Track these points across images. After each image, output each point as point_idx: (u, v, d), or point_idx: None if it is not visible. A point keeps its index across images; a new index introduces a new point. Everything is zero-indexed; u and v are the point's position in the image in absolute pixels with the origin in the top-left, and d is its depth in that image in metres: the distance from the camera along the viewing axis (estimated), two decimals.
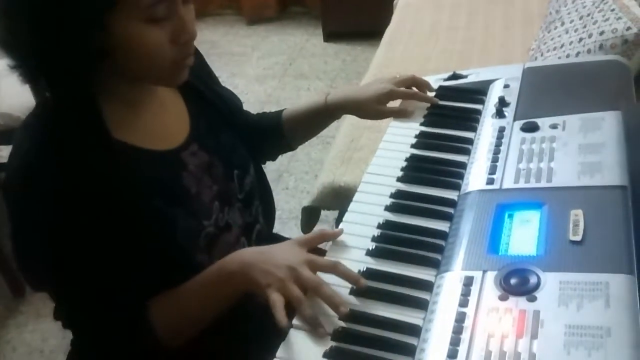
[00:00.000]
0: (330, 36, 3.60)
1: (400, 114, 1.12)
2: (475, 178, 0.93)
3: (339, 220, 1.14)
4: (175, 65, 0.83)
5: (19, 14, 0.75)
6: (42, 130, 0.82)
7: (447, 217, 0.89)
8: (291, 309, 0.77)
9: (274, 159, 1.24)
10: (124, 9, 0.75)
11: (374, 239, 0.87)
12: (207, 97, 1.02)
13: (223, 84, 1.13)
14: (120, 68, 0.82)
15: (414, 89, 1.15)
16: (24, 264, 0.87)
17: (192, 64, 0.86)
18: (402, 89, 1.13)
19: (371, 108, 1.11)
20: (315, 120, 1.16)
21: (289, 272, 0.79)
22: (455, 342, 0.68)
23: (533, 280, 0.71)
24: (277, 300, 0.76)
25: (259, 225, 1.06)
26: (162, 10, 0.78)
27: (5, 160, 0.84)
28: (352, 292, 0.80)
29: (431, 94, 1.16)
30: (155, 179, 0.88)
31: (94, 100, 0.84)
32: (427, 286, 0.79)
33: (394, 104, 1.15)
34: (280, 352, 0.74)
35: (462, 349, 0.67)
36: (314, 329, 0.75)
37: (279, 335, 0.75)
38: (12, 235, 0.84)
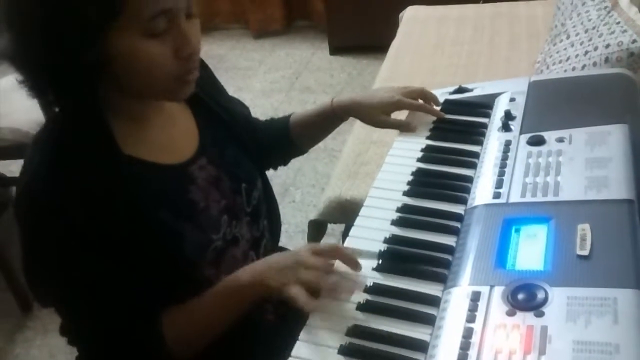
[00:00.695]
0: (336, 50, 3.62)
1: (404, 128, 1.13)
2: (481, 192, 0.93)
3: (345, 234, 1.14)
4: (178, 80, 0.83)
5: (24, 28, 0.76)
6: (52, 146, 0.83)
7: (453, 232, 0.88)
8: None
9: (285, 163, 1.25)
10: (125, 21, 0.75)
11: (380, 254, 0.87)
12: (214, 111, 1.02)
13: None
14: (121, 83, 0.82)
15: (421, 101, 1.15)
16: (33, 280, 0.87)
17: (196, 78, 0.86)
18: (410, 100, 1.13)
19: (376, 115, 1.11)
20: (323, 123, 1.17)
21: (297, 264, 0.81)
22: (462, 358, 0.67)
23: (540, 295, 0.71)
24: (297, 292, 0.78)
25: (265, 239, 1.06)
26: (163, 24, 0.78)
27: (15, 174, 0.85)
28: (359, 307, 0.79)
29: (437, 109, 1.16)
30: (164, 193, 0.88)
31: (103, 115, 0.85)
32: (434, 301, 0.78)
33: (401, 115, 1.15)
34: (296, 351, 0.74)
35: None
36: (345, 292, 0.79)
37: (286, 349, 0.75)
38: (22, 251, 0.84)
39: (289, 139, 1.17)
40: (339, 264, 0.84)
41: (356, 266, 0.83)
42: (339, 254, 0.84)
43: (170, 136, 0.93)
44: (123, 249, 0.83)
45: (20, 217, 0.83)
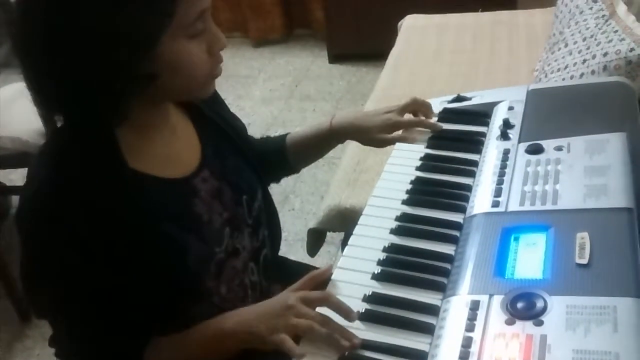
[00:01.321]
0: (336, 58, 3.62)
1: (404, 140, 1.12)
2: (480, 201, 0.93)
3: (344, 242, 1.14)
4: (210, 76, 0.86)
5: (69, 43, 0.74)
6: (57, 160, 0.82)
7: (452, 240, 0.88)
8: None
9: (277, 181, 1.25)
10: (173, 27, 0.76)
11: (379, 263, 0.87)
12: (216, 123, 1.02)
13: (230, 106, 1.14)
14: (162, 89, 0.82)
15: (420, 114, 1.15)
16: (30, 292, 0.87)
17: (221, 74, 0.88)
18: (407, 119, 1.13)
19: (376, 137, 1.12)
20: (320, 144, 1.17)
21: (287, 311, 0.80)
22: None
23: (540, 304, 0.71)
24: (285, 339, 0.77)
25: (265, 249, 1.06)
26: (201, 25, 0.80)
27: (15, 183, 0.85)
28: (358, 315, 0.79)
29: (434, 117, 1.16)
30: (168, 206, 0.88)
31: (111, 128, 0.83)
32: (433, 310, 0.78)
33: None
34: None
35: None
36: (337, 344, 0.76)
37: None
38: (21, 262, 0.84)
39: (285, 158, 1.18)
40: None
41: (349, 315, 0.78)
42: (330, 303, 0.80)
43: (174, 149, 0.93)
44: (125, 264, 0.83)
45: (22, 228, 0.82)
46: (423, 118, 1.15)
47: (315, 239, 1.77)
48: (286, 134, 1.19)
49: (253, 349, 0.83)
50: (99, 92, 0.77)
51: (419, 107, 1.16)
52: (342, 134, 1.14)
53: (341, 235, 1.95)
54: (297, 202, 2.56)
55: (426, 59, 2.37)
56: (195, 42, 0.80)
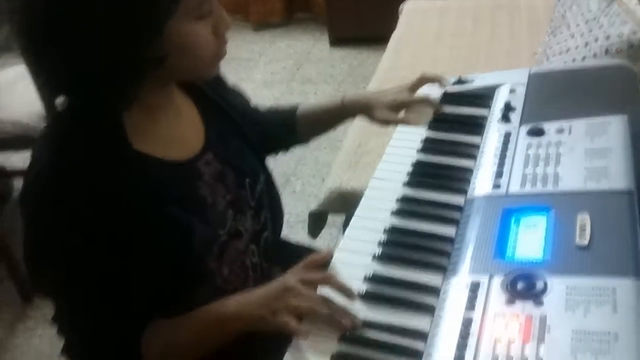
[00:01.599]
0: (337, 41, 3.61)
1: (406, 122, 1.12)
2: (481, 183, 0.93)
3: (345, 224, 1.14)
4: (216, 57, 0.87)
5: (79, 24, 0.74)
6: (59, 143, 0.82)
7: (453, 222, 0.89)
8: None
9: (286, 150, 1.26)
10: (182, 8, 0.77)
11: (380, 244, 0.87)
12: (218, 105, 1.02)
13: None
14: (169, 71, 0.82)
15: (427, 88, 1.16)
16: (33, 275, 0.87)
17: (226, 54, 0.89)
18: (414, 97, 1.14)
19: (383, 113, 1.11)
20: (331, 119, 1.18)
21: (287, 293, 0.80)
22: (461, 347, 0.68)
23: (540, 284, 0.71)
24: (288, 320, 0.77)
25: (267, 232, 1.06)
26: (207, 7, 0.81)
27: (16, 166, 0.85)
28: (359, 296, 0.80)
29: (437, 99, 1.16)
30: (172, 189, 0.88)
31: (116, 111, 0.83)
32: (433, 291, 0.79)
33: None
34: (288, 357, 0.74)
35: (469, 354, 0.67)
36: (338, 324, 0.76)
37: (285, 344, 0.76)
38: (24, 245, 0.84)
39: (295, 130, 1.18)
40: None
41: (350, 295, 0.79)
42: (331, 284, 0.80)
43: (178, 131, 0.93)
44: (128, 246, 0.83)
45: (25, 211, 0.82)
46: (431, 98, 1.15)
47: (317, 221, 1.78)
48: (297, 106, 1.20)
49: (253, 334, 0.83)
50: (106, 77, 0.77)
51: (429, 82, 1.16)
52: (352, 111, 1.16)
53: (342, 217, 1.95)
54: (299, 184, 2.56)
55: (427, 42, 2.36)
56: (202, 24, 0.81)
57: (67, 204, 0.79)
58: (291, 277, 0.82)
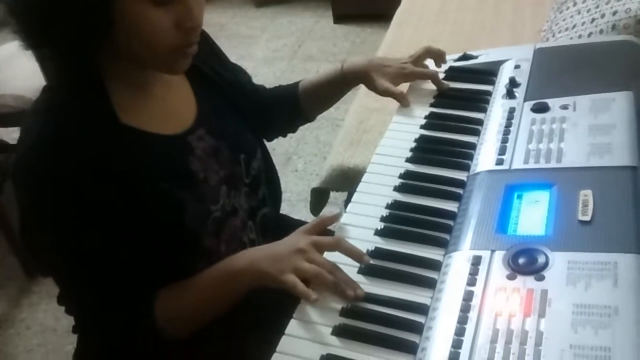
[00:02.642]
0: (340, 18, 3.58)
1: (402, 101, 1.11)
2: (484, 159, 0.93)
3: (347, 201, 1.14)
4: (177, 52, 0.83)
5: None
6: (50, 115, 0.82)
7: (455, 198, 0.89)
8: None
9: (293, 130, 1.25)
10: None
11: (382, 219, 0.88)
12: (214, 81, 1.02)
13: None
14: (121, 49, 0.81)
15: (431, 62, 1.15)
16: (30, 250, 0.87)
17: (195, 52, 0.86)
18: (420, 69, 1.13)
19: (385, 83, 1.09)
20: (332, 90, 1.16)
21: (297, 254, 0.80)
22: (462, 320, 0.68)
23: (541, 259, 0.72)
24: (295, 281, 0.77)
25: (265, 208, 1.06)
26: None
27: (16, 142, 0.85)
28: (361, 271, 0.80)
29: (441, 74, 1.15)
30: (162, 163, 0.88)
31: (102, 83, 0.84)
32: (435, 266, 0.79)
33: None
34: (290, 329, 0.74)
35: (470, 328, 0.67)
36: (341, 292, 0.76)
37: (285, 317, 0.76)
38: (20, 220, 0.84)
39: (298, 105, 1.16)
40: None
41: (361, 258, 0.80)
42: (341, 248, 0.81)
43: (169, 106, 0.92)
44: (122, 219, 0.83)
45: (18, 184, 0.82)
46: (435, 73, 1.14)
47: (319, 199, 1.78)
48: (298, 82, 1.18)
49: (258, 294, 0.83)
50: (59, 31, 0.77)
51: (432, 56, 1.15)
52: (353, 78, 1.13)
53: (344, 195, 1.95)
54: (300, 163, 2.56)
55: (431, 18, 2.34)
56: (161, 11, 0.78)
57: (58, 177, 0.79)
58: (302, 239, 0.82)
